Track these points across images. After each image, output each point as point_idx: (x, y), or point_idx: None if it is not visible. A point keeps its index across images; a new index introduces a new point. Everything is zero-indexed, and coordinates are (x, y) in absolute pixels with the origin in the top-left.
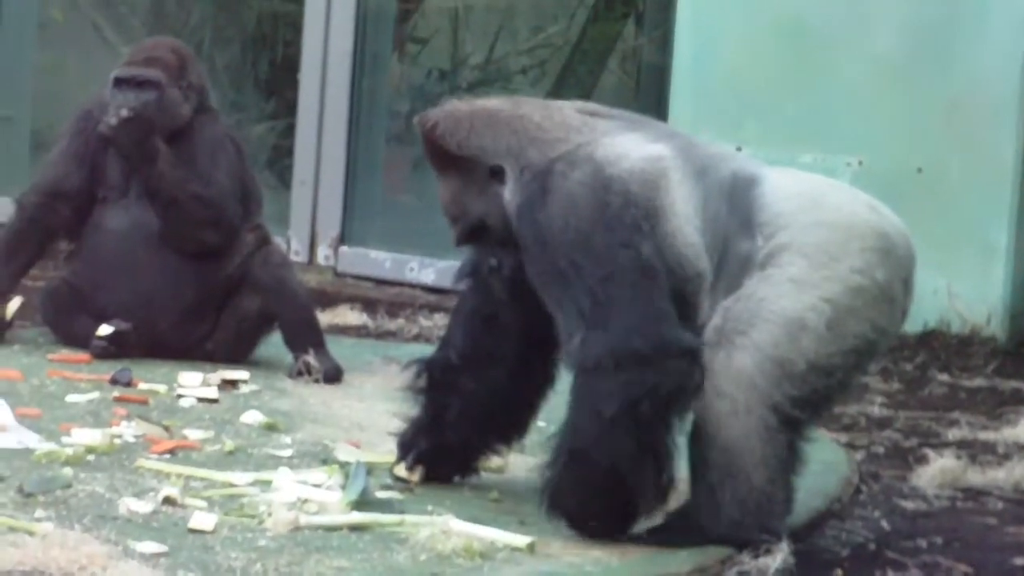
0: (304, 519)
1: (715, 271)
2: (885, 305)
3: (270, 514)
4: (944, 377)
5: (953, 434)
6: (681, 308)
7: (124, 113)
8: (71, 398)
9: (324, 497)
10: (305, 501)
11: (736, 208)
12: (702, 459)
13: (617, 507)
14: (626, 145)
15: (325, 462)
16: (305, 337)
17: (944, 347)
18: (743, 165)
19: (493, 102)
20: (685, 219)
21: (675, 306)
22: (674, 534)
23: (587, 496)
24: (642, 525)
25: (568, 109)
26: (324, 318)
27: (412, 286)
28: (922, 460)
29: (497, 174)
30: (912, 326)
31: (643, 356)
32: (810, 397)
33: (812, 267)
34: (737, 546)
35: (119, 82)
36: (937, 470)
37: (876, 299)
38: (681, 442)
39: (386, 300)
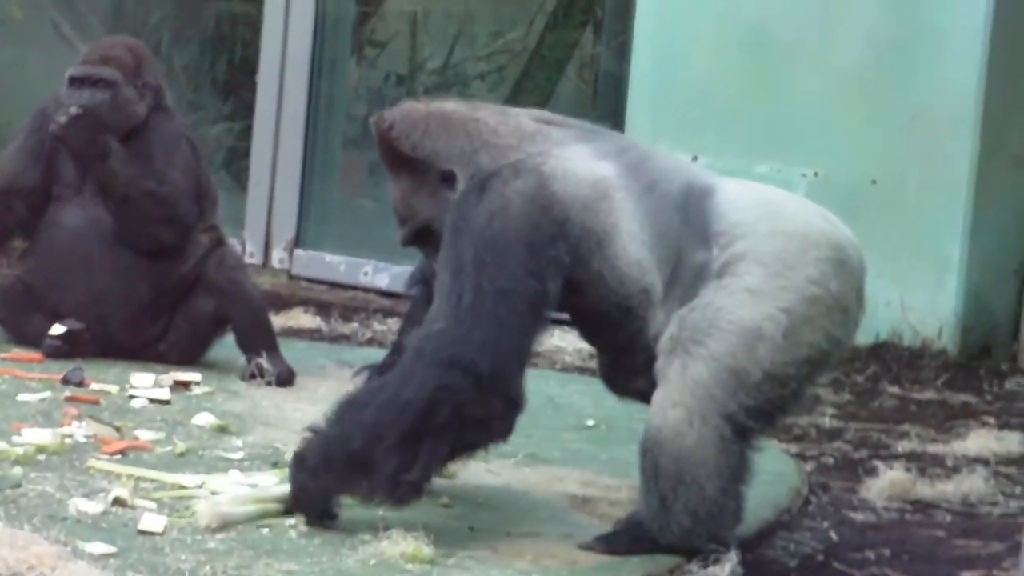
0: (218, 510)
1: (668, 282)
2: (839, 315)
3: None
4: (895, 389)
5: (903, 446)
6: (626, 321)
7: (73, 111)
8: (22, 397)
9: (261, 494)
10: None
11: (690, 219)
12: (653, 467)
13: (350, 479)
14: (574, 161)
15: (276, 465)
16: (258, 339)
17: (895, 359)
18: (697, 176)
19: (450, 105)
20: (629, 237)
21: (620, 319)
22: (624, 542)
23: (332, 451)
24: (592, 533)
25: (524, 116)
26: (278, 321)
27: (366, 290)
28: (872, 472)
29: (448, 179)
30: (864, 338)
31: (477, 376)
32: (764, 407)
33: (769, 276)
34: (687, 555)
35: (74, 80)
36: (887, 482)
37: (831, 309)
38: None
39: (340, 304)
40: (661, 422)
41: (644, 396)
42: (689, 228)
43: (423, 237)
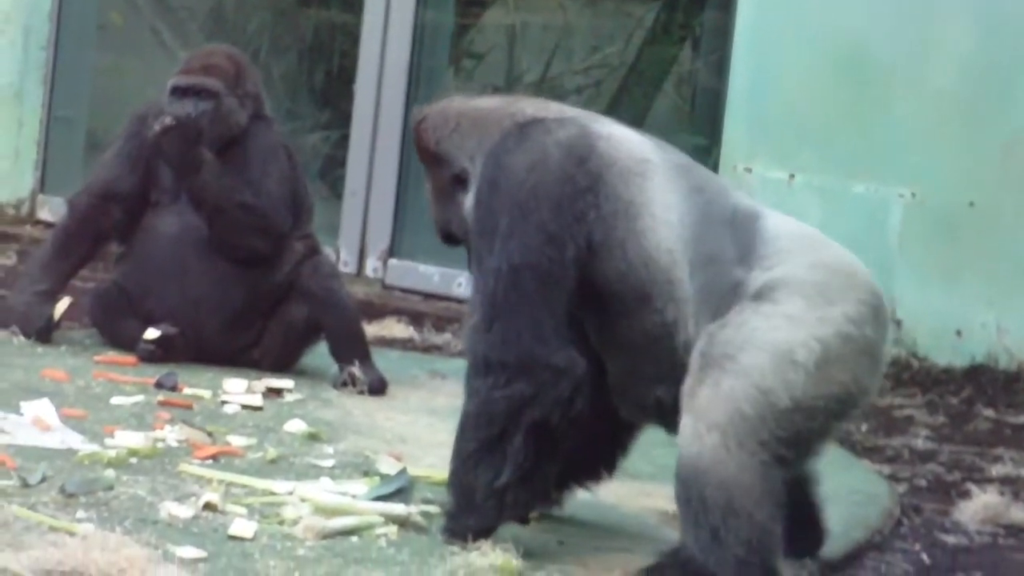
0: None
1: (701, 290)
2: (868, 361)
3: (297, 521)
4: (990, 412)
5: (997, 470)
6: (643, 312)
7: (167, 121)
8: (116, 400)
9: (351, 503)
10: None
11: (736, 235)
12: (700, 498)
13: (477, 509)
14: (623, 133)
15: (366, 473)
16: (351, 348)
17: (991, 382)
18: (744, 199)
19: (490, 100)
20: (664, 223)
21: (635, 307)
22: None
23: (459, 492)
24: (635, 564)
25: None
26: (371, 330)
27: (459, 301)
28: (965, 495)
29: (460, 181)
30: (959, 360)
31: (506, 367)
32: (792, 438)
33: (808, 306)
34: None
35: (176, 90)
36: (980, 505)
37: (862, 352)
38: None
39: (433, 314)
40: (698, 449)
41: (661, 412)
42: (733, 244)
43: (451, 238)
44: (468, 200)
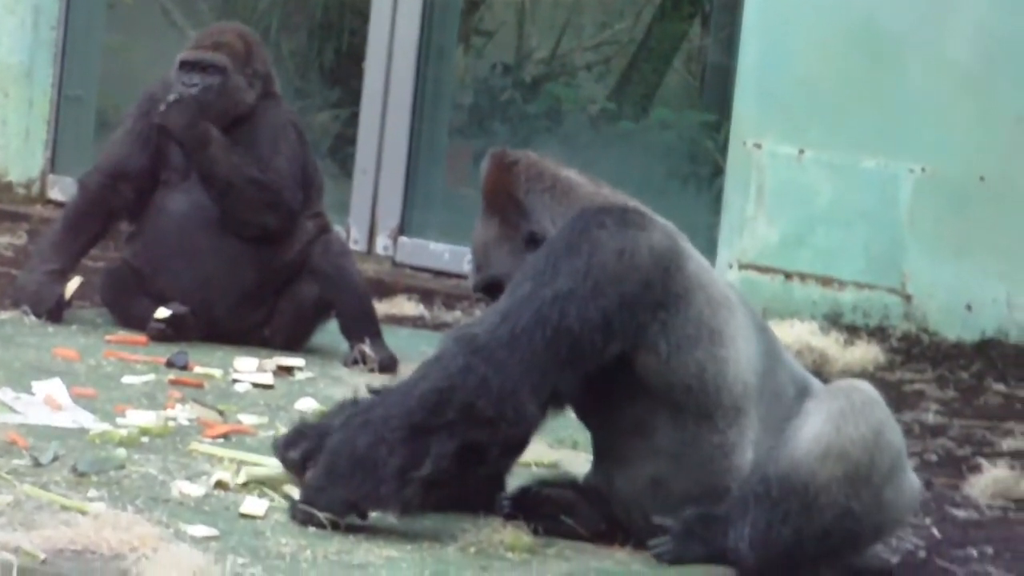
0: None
1: (763, 422)
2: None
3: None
4: (1000, 387)
5: (1008, 444)
6: (703, 430)
7: (171, 97)
8: (127, 379)
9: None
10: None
11: (794, 377)
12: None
13: (354, 484)
14: (702, 259)
15: None
16: (362, 326)
17: (1001, 356)
18: (805, 374)
19: (578, 176)
20: (744, 356)
21: (697, 421)
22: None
23: (336, 458)
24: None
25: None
26: (381, 308)
27: None
28: (975, 469)
29: (535, 242)
30: (970, 335)
31: (487, 389)
32: None
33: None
34: None
35: (184, 65)
36: (990, 480)
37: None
38: None
39: (443, 292)
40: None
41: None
42: (792, 383)
43: (492, 289)
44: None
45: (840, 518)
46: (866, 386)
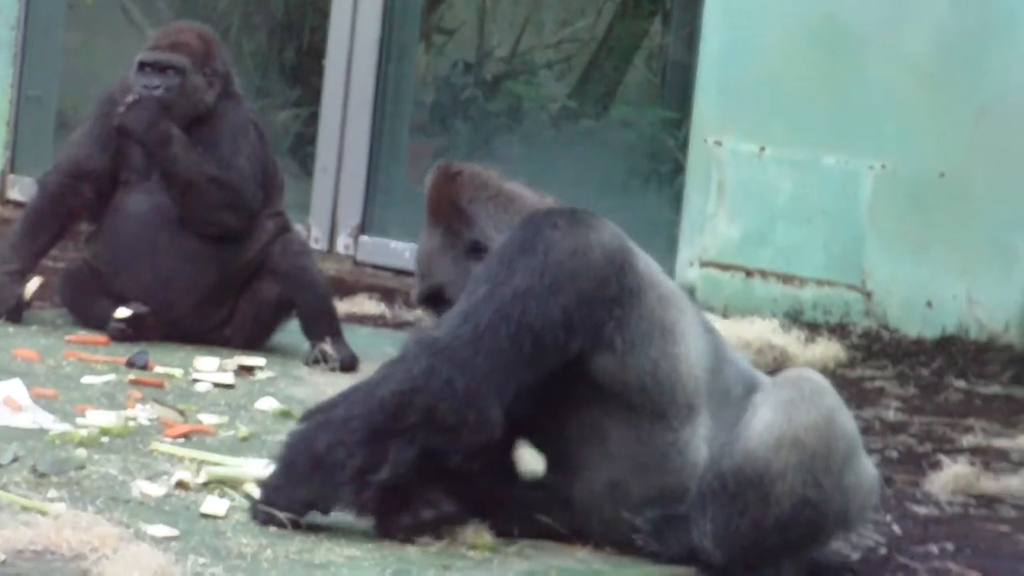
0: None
1: (715, 419)
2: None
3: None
4: (960, 383)
5: (968, 440)
6: (657, 428)
7: (131, 98)
8: (87, 379)
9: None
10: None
11: (742, 376)
12: None
13: (312, 484)
14: (650, 259)
15: None
16: (322, 325)
17: (961, 353)
18: (753, 372)
19: (521, 188)
20: (695, 352)
21: (651, 421)
22: None
23: (294, 456)
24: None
25: None
26: (342, 307)
27: None
28: (936, 466)
29: (477, 250)
30: (930, 331)
31: (452, 390)
32: None
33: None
34: None
35: (144, 66)
36: (951, 476)
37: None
38: None
39: (405, 290)
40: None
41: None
42: (740, 382)
43: (435, 300)
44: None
45: (799, 507)
46: (814, 374)
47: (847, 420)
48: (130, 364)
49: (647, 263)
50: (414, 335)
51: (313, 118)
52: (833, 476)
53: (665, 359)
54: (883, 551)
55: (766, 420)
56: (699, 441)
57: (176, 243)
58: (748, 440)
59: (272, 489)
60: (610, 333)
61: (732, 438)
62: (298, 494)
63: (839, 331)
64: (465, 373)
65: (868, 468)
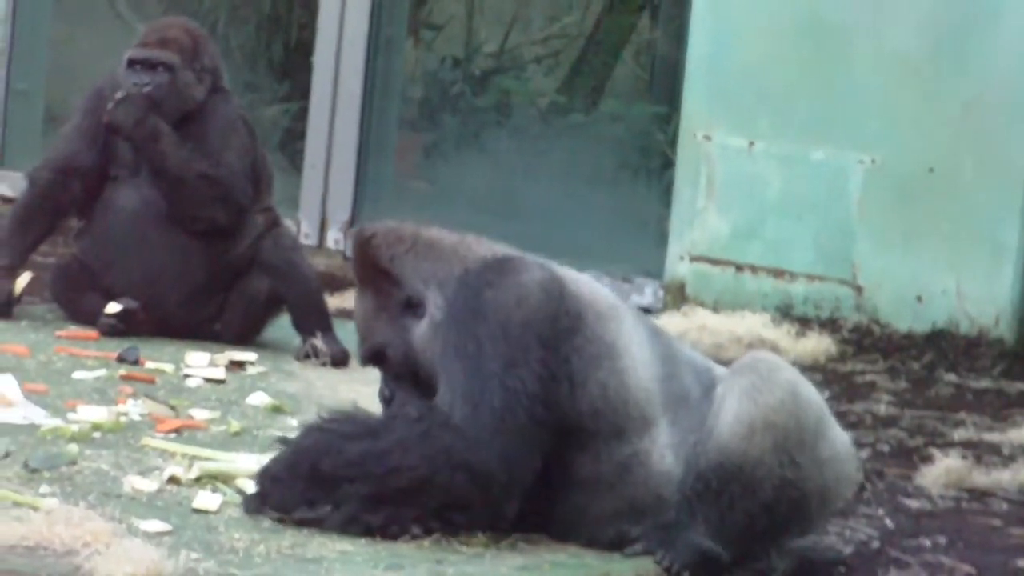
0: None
1: (672, 426)
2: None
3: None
4: (951, 377)
5: (959, 434)
6: (615, 446)
7: (120, 95)
8: (78, 375)
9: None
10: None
11: (699, 377)
12: None
13: (310, 495)
14: (584, 278)
15: None
16: (313, 320)
17: (952, 347)
18: (686, 348)
19: (440, 232)
20: (641, 363)
21: (607, 441)
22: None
23: (298, 460)
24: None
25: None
26: (333, 302)
27: None
28: (927, 460)
29: (414, 306)
30: (920, 325)
31: (488, 485)
32: None
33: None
34: None
35: (133, 63)
36: (942, 470)
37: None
38: None
39: None
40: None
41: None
42: (698, 384)
43: (379, 359)
44: (420, 327)
45: (780, 488)
46: (768, 354)
47: (810, 391)
48: (121, 359)
49: (576, 281)
50: (435, 415)
51: (302, 113)
52: (807, 451)
53: (613, 376)
54: (875, 545)
55: (733, 410)
56: (662, 450)
57: (166, 238)
58: (720, 435)
59: (270, 479)
60: (575, 363)
61: (703, 437)
62: (294, 497)
63: (830, 325)
64: (504, 463)
65: (841, 437)
